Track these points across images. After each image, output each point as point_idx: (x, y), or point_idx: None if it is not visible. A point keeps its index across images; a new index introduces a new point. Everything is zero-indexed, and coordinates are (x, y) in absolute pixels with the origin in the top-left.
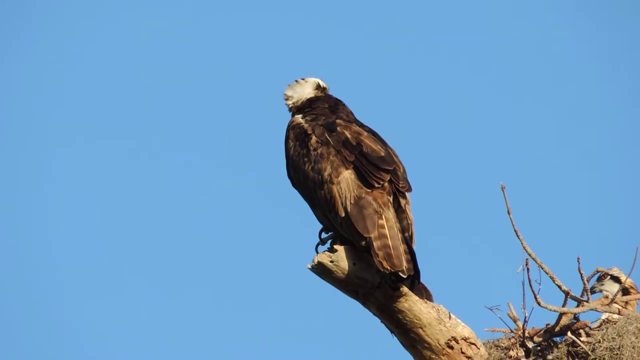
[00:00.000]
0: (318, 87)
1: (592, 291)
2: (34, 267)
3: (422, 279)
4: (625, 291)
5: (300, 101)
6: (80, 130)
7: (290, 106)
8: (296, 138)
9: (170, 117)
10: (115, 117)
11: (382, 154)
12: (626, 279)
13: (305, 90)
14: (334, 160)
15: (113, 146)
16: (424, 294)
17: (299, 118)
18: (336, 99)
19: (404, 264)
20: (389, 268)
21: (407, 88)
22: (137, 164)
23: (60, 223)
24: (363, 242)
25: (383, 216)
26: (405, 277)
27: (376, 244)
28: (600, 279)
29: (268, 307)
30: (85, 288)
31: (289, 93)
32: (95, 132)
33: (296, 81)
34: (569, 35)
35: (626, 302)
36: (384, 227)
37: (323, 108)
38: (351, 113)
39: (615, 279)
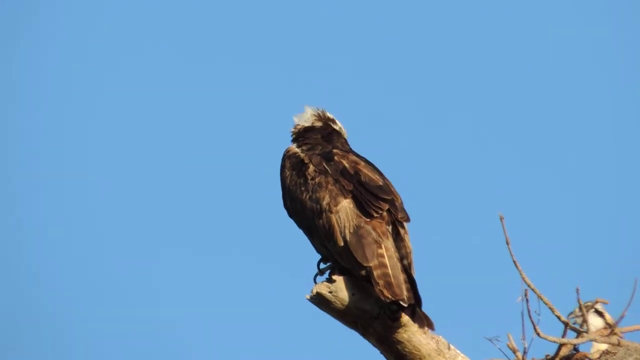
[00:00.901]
0: (319, 117)
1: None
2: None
3: (423, 308)
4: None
5: (298, 128)
6: None
7: (292, 133)
8: (293, 167)
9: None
10: None
11: (380, 184)
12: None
13: (304, 117)
14: (332, 189)
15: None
16: (424, 322)
17: (294, 147)
18: (332, 130)
19: (405, 292)
20: (389, 297)
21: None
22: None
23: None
24: (363, 272)
25: (382, 245)
26: (405, 305)
27: (376, 273)
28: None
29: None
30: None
31: (296, 120)
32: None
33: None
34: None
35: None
36: (383, 257)
37: (317, 138)
38: (346, 143)
39: (599, 314)
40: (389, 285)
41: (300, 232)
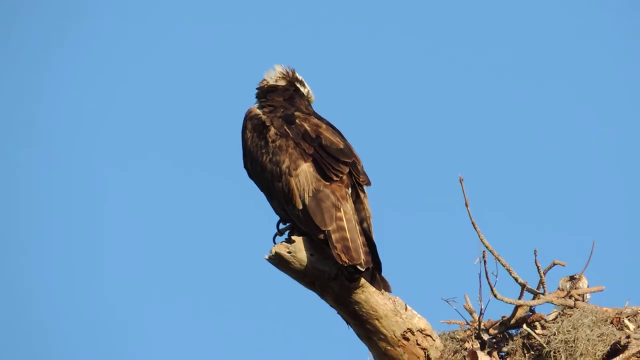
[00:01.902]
0: (285, 75)
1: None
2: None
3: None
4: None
5: (263, 84)
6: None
7: (257, 89)
8: (254, 129)
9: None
10: None
11: (341, 147)
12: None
13: (271, 75)
14: (292, 152)
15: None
16: (381, 284)
17: (256, 109)
18: (294, 91)
19: (362, 256)
20: (347, 261)
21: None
22: None
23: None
24: (321, 236)
25: (341, 209)
26: (363, 270)
27: (334, 236)
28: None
29: (224, 298)
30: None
31: (265, 76)
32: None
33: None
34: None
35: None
36: (341, 220)
37: (279, 100)
38: (309, 105)
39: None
40: (346, 249)
41: (260, 193)
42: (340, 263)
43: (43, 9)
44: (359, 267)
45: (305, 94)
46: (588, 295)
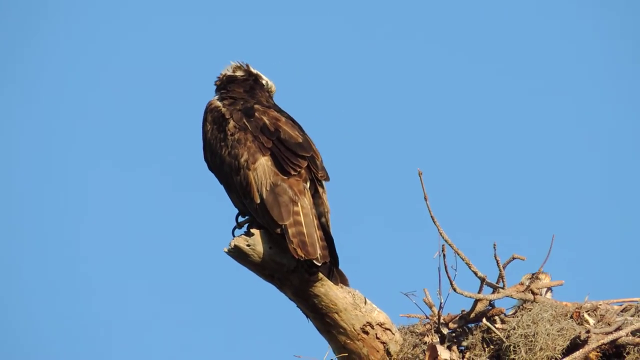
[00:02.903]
0: (239, 68)
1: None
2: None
3: (340, 264)
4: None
5: (222, 76)
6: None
7: (217, 82)
8: (214, 121)
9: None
10: None
11: (300, 140)
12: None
13: (228, 67)
14: (251, 146)
15: None
16: (338, 279)
17: (216, 101)
18: (254, 82)
19: (319, 251)
20: (303, 255)
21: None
22: None
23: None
24: (278, 230)
25: (298, 204)
26: (319, 264)
27: (291, 231)
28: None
29: (182, 291)
30: None
31: (223, 71)
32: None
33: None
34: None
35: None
36: (299, 215)
37: (240, 92)
38: (270, 98)
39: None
40: (303, 244)
41: (219, 185)
42: (297, 257)
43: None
44: (315, 261)
45: (265, 84)
46: (549, 294)
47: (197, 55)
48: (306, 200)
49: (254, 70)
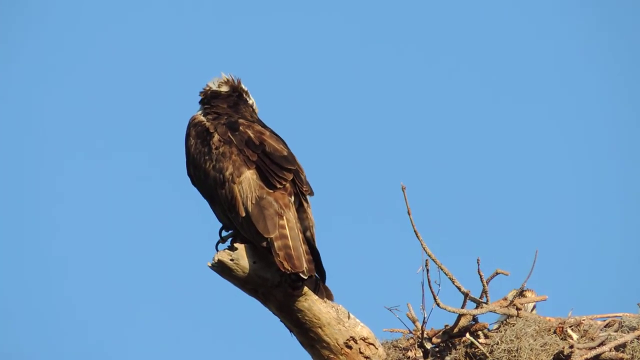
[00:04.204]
0: (226, 83)
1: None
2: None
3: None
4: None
5: (206, 90)
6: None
7: (201, 97)
8: (197, 135)
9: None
10: None
11: (285, 154)
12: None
13: (214, 81)
14: (236, 159)
15: None
16: (324, 293)
17: (200, 116)
18: (237, 98)
19: (304, 264)
20: (289, 269)
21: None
22: None
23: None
24: (264, 243)
25: (284, 217)
26: (305, 277)
27: (277, 244)
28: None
29: (166, 305)
30: None
31: (209, 83)
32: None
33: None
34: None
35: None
36: (284, 228)
37: (224, 107)
38: (254, 113)
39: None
40: (289, 257)
41: (203, 199)
42: (283, 271)
43: None
44: (301, 274)
45: (250, 103)
46: (534, 310)
47: (194, 53)
48: (291, 214)
49: (245, 87)
